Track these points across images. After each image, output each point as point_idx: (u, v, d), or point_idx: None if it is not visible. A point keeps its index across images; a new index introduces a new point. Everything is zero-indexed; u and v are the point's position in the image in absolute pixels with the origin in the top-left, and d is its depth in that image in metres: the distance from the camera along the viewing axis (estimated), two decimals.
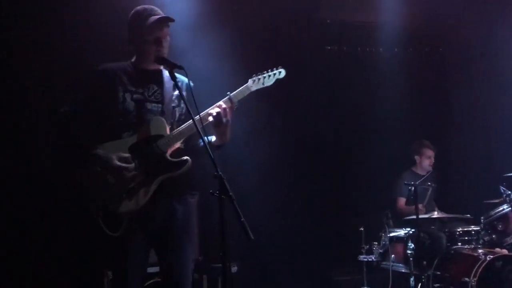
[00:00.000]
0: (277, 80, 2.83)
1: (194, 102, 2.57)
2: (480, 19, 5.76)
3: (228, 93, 2.79)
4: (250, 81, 2.83)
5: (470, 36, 5.95)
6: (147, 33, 2.76)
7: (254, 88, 2.82)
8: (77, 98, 2.75)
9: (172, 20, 2.82)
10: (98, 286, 4.12)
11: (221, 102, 2.75)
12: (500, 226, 4.79)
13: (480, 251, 4.63)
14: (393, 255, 4.97)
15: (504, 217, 4.76)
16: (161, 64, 2.78)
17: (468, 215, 5.04)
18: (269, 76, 2.83)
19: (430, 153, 5.60)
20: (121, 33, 2.91)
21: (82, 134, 2.73)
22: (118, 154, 2.66)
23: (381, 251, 5.04)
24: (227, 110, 2.73)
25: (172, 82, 2.79)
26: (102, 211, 2.64)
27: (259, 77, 2.83)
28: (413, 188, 4.80)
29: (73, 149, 2.77)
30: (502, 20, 5.69)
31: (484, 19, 5.73)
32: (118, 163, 2.64)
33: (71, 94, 2.75)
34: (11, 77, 4.33)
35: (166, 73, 2.86)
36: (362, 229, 4.98)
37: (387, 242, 5.01)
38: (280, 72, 2.84)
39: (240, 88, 2.81)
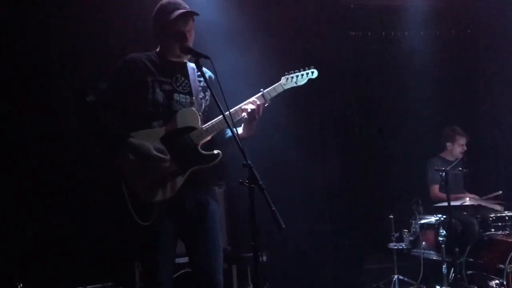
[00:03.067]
0: (310, 80, 2.85)
1: (222, 93, 2.55)
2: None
3: (262, 89, 2.80)
4: (283, 79, 2.85)
5: (500, 16, 5.76)
6: (171, 27, 2.76)
7: (287, 87, 2.84)
8: (105, 88, 2.75)
9: (196, 14, 2.81)
10: (130, 277, 4.18)
11: (254, 99, 2.77)
12: None
13: None
14: (424, 242, 4.89)
15: None
16: (187, 53, 2.78)
17: (500, 192, 4.91)
18: (302, 75, 2.85)
19: (463, 140, 5.46)
20: (148, 23, 2.91)
21: (112, 123, 2.74)
22: (154, 144, 2.67)
23: (411, 238, 4.97)
24: (260, 107, 2.75)
25: (196, 74, 2.82)
26: (134, 201, 2.65)
27: (292, 75, 2.85)
28: (444, 174, 4.70)
29: (104, 138, 2.78)
30: None
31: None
32: (156, 153, 2.66)
33: (99, 84, 2.76)
34: (40, 67, 4.40)
35: (190, 65, 2.87)
36: (391, 216, 4.92)
37: (418, 229, 4.94)
38: (312, 72, 2.86)
39: (274, 86, 2.83)
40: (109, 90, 2.75)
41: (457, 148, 5.47)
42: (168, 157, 2.68)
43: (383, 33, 6.15)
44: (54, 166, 4.38)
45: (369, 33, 6.11)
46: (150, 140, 2.68)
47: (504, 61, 5.88)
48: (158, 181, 2.67)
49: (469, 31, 6.38)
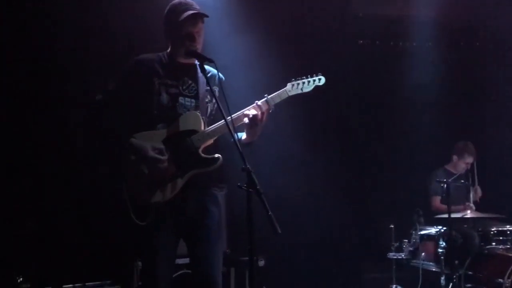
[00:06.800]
0: (316, 87, 2.80)
1: (224, 97, 2.57)
2: None
3: (266, 95, 2.77)
4: (289, 85, 2.81)
5: (507, 30, 5.75)
6: (180, 27, 2.77)
7: (292, 93, 2.79)
8: (113, 88, 2.78)
9: (206, 15, 2.82)
10: (128, 276, 4.20)
11: (258, 104, 2.74)
12: None
13: None
14: (423, 253, 4.89)
15: None
16: (191, 57, 2.79)
17: (503, 216, 4.91)
18: (309, 82, 2.79)
19: (470, 159, 5.43)
20: (159, 23, 2.92)
21: (117, 123, 2.76)
22: (153, 145, 2.69)
23: (411, 249, 4.97)
24: (264, 112, 2.73)
25: (204, 77, 2.81)
26: (132, 201, 2.68)
27: (298, 82, 2.80)
28: (445, 186, 4.70)
29: (108, 137, 2.81)
30: None
31: None
32: (153, 154, 2.67)
33: (107, 83, 2.79)
34: (49, 64, 4.43)
35: (199, 68, 2.85)
36: (392, 226, 4.92)
37: (418, 240, 4.94)
38: (320, 79, 2.81)
39: (278, 92, 2.79)
40: (117, 91, 2.79)
41: (461, 164, 5.46)
42: (165, 157, 2.69)
43: (391, 43, 6.17)
44: (56, 163, 4.40)
45: (377, 42, 6.12)
46: (151, 142, 2.70)
47: (511, 74, 5.87)
48: (157, 182, 2.68)
49: (477, 43, 6.37)
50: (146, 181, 2.68)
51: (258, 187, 2.25)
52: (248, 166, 2.29)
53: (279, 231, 2.16)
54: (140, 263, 3.90)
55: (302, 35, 5.44)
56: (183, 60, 2.84)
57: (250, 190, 2.26)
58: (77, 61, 4.47)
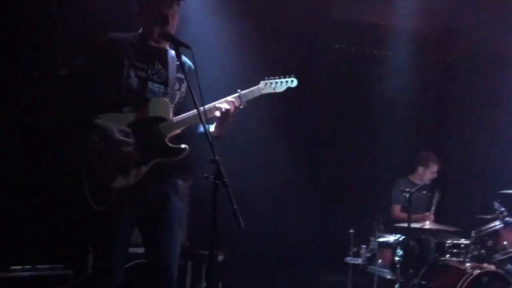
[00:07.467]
0: (289, 88, 2.83)
1: (198, 86, 2.51)
2: (492, 36, 5.71)
3: (239, 90, 2.77)
4: (262, 83, 2.82)
5: (479, 45, 5.89)
6: (153, 8, 2.69)
7: (265, 91, 2.82)
8: (79, 63, 2.67)
9: None
10: (82, 261, 4.08)
11: (230, 98, 2.74)
12: (490, 242, 4.76)
13: (467, 264, 4.60)
14: (380, 260, 4.93)
15: (495, 233, 4.74)
16: (167, 40, 2.71)
17: (459, 229, 5.02)
18: (281, 82, 2.83)
19: (435, 168, 5.55)
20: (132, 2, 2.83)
21: (80, 101, 2.65)
22: (119, 127, 2.60)
23: (368, 255, 5.02)
24: (235, 108, 2.72)
25: (176, 63, 2.75)
26: (91, 184, 2.58)
27: (271, 81, 2.83)
28: (408, 195, 4.76)
29: (71, 116, 2.68)
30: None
31: (497, 37, 5.68)
32: (119, 136, 2.59)
33: (74, 58, 2.67)
34: (13, 39, 4.25)
35: (171, 53, 2.80)
36: (352, 231, 4.95)
37: (376, 247, 4.98)
38: (292, 81, 2.85)
39: (251, 88, 2.80)
40: (83, 67, 2.67)
41: (428, 174, 5.56)
42: (131, 140, 2.61)
43: (367, 50, 6.22)
44: (11, 141, 4.23)
45: (353, 48, 6.16)
46: (117, 124, 2.61)
47: (478, 92, 6.01)
48: (120, 167, 2.60)
49: (449, 59, 6.50)
50: (108, 164, 2.59)
51: (225, 180, 2.22)
52: (216, 158, 2.26)
53: (243, 226, 2.14)
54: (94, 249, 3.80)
55: (279, 34, 5.43)
56: (154, 44, 2.76)
57: (217, 182, 2.22)
58: (43, 34, 4.30)
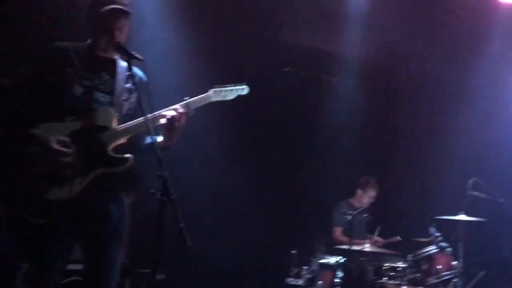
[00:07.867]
0: (239, 96, 2.78)
1: (148, 98, 2.45)
2: (432, 66, 6.01)
3: (186, 98, 2.71)
4: (211, 91, 2.76)
5: (420, 73, 6.16)
6: (100, 20, 2.66)
7: (214, 99, 2.75)
8: (22, 72, 2.59)
9: (128, 13, 2.71)
10: (11, 278, 3.83)
11: (177, 106, 2.66)
12: (425, 266, 4.92)
13: (403, 287, 4.73)
14: (320, 282, 4.97)
15: (430, 257, 4.90)
16: (120, 52, 2.67)
17: (397, 253, 5.17)
18: (231, 90, 2.77)
19: (373, 193, 5.74)
20: (80, 10, 2.80)
21: (20, 111, 2.56)
22: (57, 137, 2.50)
23: (309, 276, 5.04)
24: (182, 115, 2.64)
25: (125, 74, 2.70)
26: (28, 196, 2.46)
27: (221, 89, 2.77)
28: (349, 218, 4.86)
29: (9, 125, 2.58)
30: (453, 63, 5.95)
31: (436, 66, 5.99)
32: (55, 146, 2.48)
33: (15, 67, 2.56)
34: None
35: (121, 63, 2.75)
36: (294, 251, 4.97)
37: (317, 268, 5.02)
38: (243, 89, 2.79)
39: (200, 96, 2.74)
40: (25, 75, 2.60)
41: (365, 198, 5.73)
42: (70, 151, 2.51)
43: (314, 75, 6.36)
44: None
45: (302, 72, 6.28)
46: (56, 134, 2.51)
47: (421, 118, 6.29)
48: (57, 178, 2.49)
49: (391, 87, 6.76)
50: (45, 175, 2.47)
51: (172, 197, 2.16)
52: (164, 174, 2.19)
53: (189, 244, 2.08)
54: (25, 266, 3.59)
55: (231, 48, 5.46)
56: (103, 54, 2.72)
57: (163, 198, 2.16)
58: None
